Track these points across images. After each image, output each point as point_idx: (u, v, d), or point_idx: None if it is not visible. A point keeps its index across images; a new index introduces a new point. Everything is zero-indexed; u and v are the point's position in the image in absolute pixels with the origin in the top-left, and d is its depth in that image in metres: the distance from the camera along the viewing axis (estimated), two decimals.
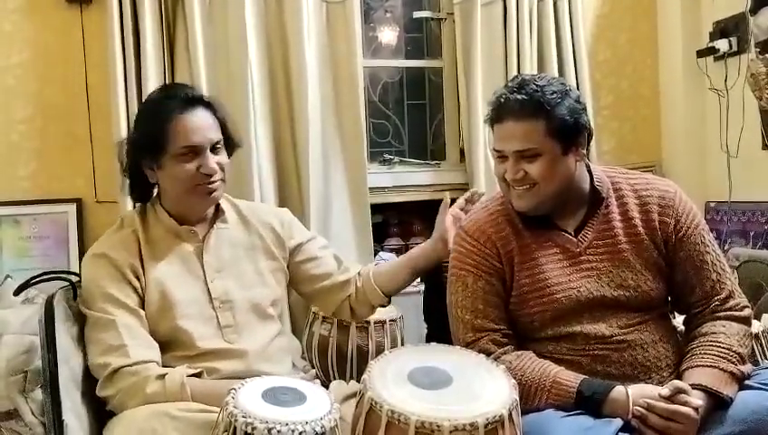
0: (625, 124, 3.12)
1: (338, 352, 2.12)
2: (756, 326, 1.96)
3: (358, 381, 1.43)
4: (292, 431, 1.11)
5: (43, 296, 1.47)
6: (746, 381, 1.38)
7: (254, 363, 1.51)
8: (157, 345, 1.47)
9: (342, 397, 1.41)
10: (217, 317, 1.53)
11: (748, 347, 1.45)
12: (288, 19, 2.55)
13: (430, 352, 1.35)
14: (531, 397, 1.37)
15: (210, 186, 1.54)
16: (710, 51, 2.85)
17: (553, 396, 1.36)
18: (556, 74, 2.82)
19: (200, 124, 1.53)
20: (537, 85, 1.45)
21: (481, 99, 2.79)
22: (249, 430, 1.11)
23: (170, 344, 1.49)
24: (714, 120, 2.90)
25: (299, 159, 2.58)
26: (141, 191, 1.60)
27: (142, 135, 1.54)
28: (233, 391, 1.19)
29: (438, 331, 1.72)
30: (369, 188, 2.70)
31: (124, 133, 2.37)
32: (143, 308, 1.49)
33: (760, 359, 1.88)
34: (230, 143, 1.61)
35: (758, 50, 2.61)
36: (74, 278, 1.56)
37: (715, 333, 1.44)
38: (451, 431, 1.10)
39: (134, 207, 2.31)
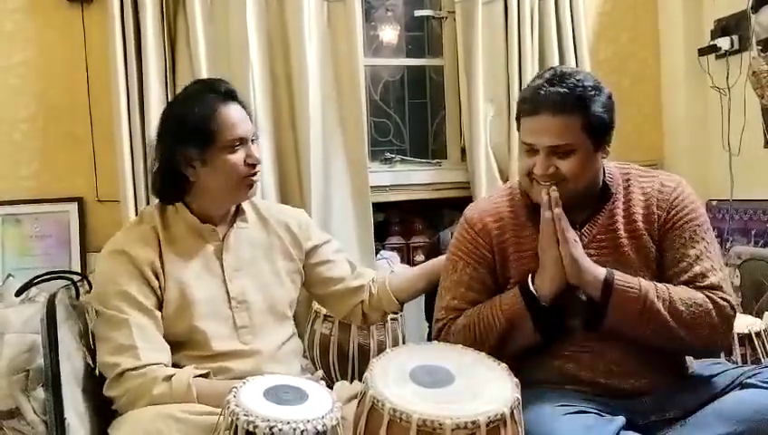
0: (627, 123, 3.10)
1: (339, 351, 2.13)
2: (758, 325, 1.96)
3: (359, 379, 1.43)
4: (294, 430, 1.11)
5: (45, 295, 1.47)
6: (749, 380, 1.38)
7: (264, 364, 1.51)
8: (167, 348, 1.46)
9: (346, 397, 1.40)
10: (234, 317, 1.54)
11: (694, 316, 1.37)
12: (289, 18, 2.55)
13: (432, 350, 1.35)
14: (489, 326, 1.44)
15: (254, 177, 1.55)
16: (712, 49, 2.85)
17: (505, 307, 1.44)
18: None
19: (242, 116, 1.54)
20: (576, 79, 1.41)
21: (482, 97, 2.79)
22: (251, 429, 1.11)
23: (185, 344, 1.49)
24: (715, 118, 2.89)
25: (300, 157, 2.58)
26: (173, 190, 1.56)
27: (187, 130, 1.50)
28: (234, 389, 1.19)
29: None
30: (371, 187, 2.70)
31: (125, 133, 2.37)
32: (160, 308, 1.48)
33: (762, 357, 1.88)
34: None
35: (760, 48, 2.61)
36: (76, 278, 1.56)
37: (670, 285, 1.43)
38: (453, 430, 1.10)
39: (136, 206, 2.35)
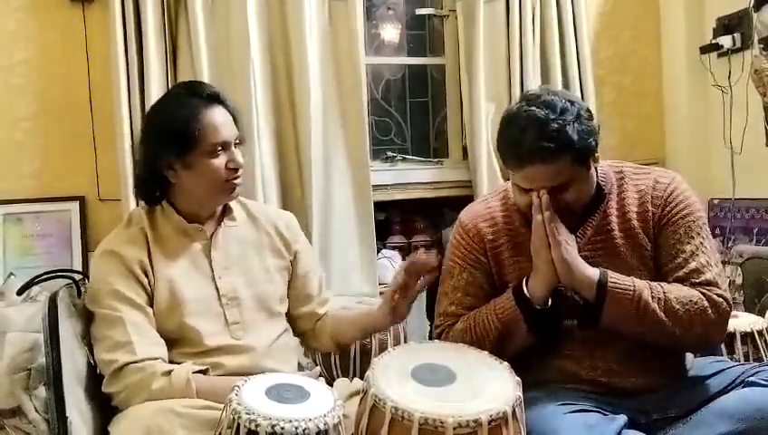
0: (628, 121, 3.11)
1: None
2: (761, 323, 1.95)
3: (361, 378, 1.43)
4: (296, 428, 1.11)
5: (46, 294, 1.47)
6: (751, 378, 1.38)
7: (260, 360, 1.51)
8: (163, 342, 1.47)
9: (347, 395, 1.41)
10: (225, 314, 1.54)
11: (690, 314, 1.36)
12: (290, 16, 2.55)
13: (434, 349, 1.35)
14: (486, 330, 1.45)
15: (236, 181, 1.54)
16: (713, 47, 2.84)
17: (499, 310, 1.44)
18: (559, 71, 2.82)
19: (225, 120, 1.53)
20: (552, 119, 1.35)
21: (483, 96, 2.79)
22: (252, 427, 1.11)
23: (178, 341, 1.49)
24: (717, 116, 2.89)
25: (301, 156, 2.58)
26: (154, 191, 1.56)
27: (168, 134, 1.49)
28: (236, 387, 1.19)
29: None
30: (372, 186, 2.70)
31: (127, 131, 2.38)
32: (151, 305, 1.49)
33: (764, 356, 1.87)
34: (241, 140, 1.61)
35: (761, 46, 2.60)
36: (77, 276, 1.56)
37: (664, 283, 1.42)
38: (455, 428, 1.09)
39: (137, 204, 2.34)
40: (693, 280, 1.41)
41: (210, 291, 1.54)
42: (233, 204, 1.63)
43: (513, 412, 1.15)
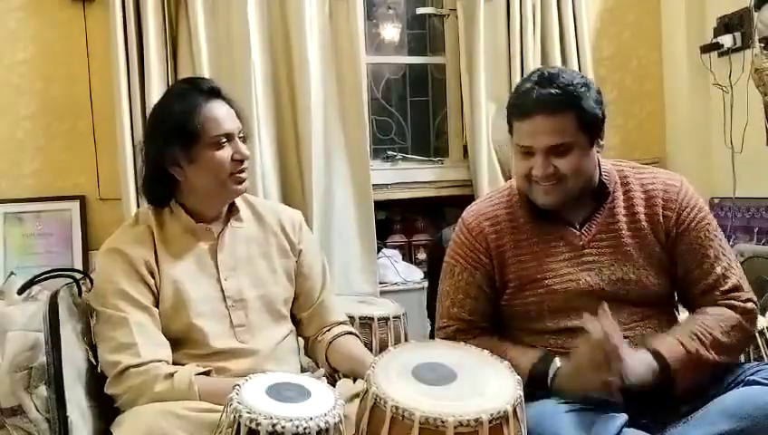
0: (629, 120, 3.11)
1: None
2: (761, 322, 1.95)
3: (362, 377, 1.43)
4: (296, 427, 1.11)
5: (47, 293, 1.47)
6: (752, 377, 1.38)
7: (263, 363, 1.50)
8: (168, 344, 1.46)
9: (348, 396, 1.40)
10: (230, 316, 1.53)
11: (737, 339, 1.40)
12: (291, 15, 2.55)
13: (434, 348, 1.35)
14: None
15: (242, 174, 1.54)
16: (714, 46, 2.84)
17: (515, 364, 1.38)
18: None
19: (227, 112, 1.54)
20: (566, 78, 1.41)
21: (484, 95, 2.79)
22: (253, 426, 1.10)
23: (183, 342, 1.49)
24: (718, 115, 2.89)
25: (302, 155, 2.58)
26: (161, 191, 1.56)
27: (171, 129, 1.49)
28: (237, 386, 1.19)
29: None
30: (373, 185, 2.70)
31: (128, 130, 2.38)
32: (157, 306, 1.48)
33: (765, 355, 1.87)
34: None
35: (762, 45, 2.60)
36: (78, 276, 1.56)
37: (701, 314, 1.43)
38: (455, 427, 1.09)
39: (138, 204, 2.35)
40: (721, 288, 1.45)
41: (215, 292, 1.54)
42: (239, 204, 1.63)
43: (514, 411, 1.15)
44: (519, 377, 1.24)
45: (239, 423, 1.11)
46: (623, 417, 1.29)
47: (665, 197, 1.50)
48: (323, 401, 1.20)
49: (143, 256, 1.49)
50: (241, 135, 1.55)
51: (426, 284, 2.05)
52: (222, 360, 1.48)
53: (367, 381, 1.20)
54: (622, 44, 3.11)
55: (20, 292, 1.60)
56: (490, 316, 1.55)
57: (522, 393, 1.19)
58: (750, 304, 1.45)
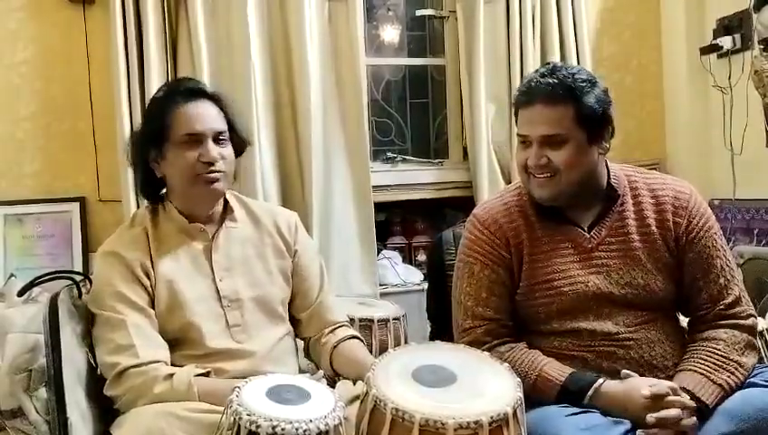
0: (629, 121, 3.11)
1: None
2: (761, 324, 1.95)
3: (362, 379, 1.42)
4: (296, 429, 1.11)
5: (47, 295, 1.47)
6: (752, 380, 1.38)
7: (260, 364, 1.50)
8: (166, 345, 1.47)
9: (348, 398, 1.39)
10: (226, 316, 1.53)
11: (752, 356, 1.43)
12: (290, 17, 2.55)
13: (434, 350, 1.35)
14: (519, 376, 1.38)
15: (210, 175, 1.51)
16: (714, 48, 2.84)
17: (538, 389, 1.38)
18: None
19: (202, 113, 1.53)
20: (568, 72, 1.45)
21: (484, 97, 2.79)
22: (253, 429, 1.10)
23: (180, 343, 1.49)
24: (717, 117, 2.89)
25: (302, 157, 2.58)
26: (151, 189, 1.59)
27: (146, 127, 1.57)
28: (237, 389, 1.19)
29: (442, 329, 1.72)
30: (372, 187, 2.70)
31: (128, 131, 2.38)
32: (153, 307, 1.48)
33: (765, 358, 1.87)
34: (237, 139, 1.60)
35: (762, 47, 2.60)
36: (78, 277, 1.56)
37: (716, 339, 1.43)
38: (455, 429, 1.09)
39: (138, 206, 2.35)
40: (723, 301, 1.46)
41: (211, 292, 1.54)
42: (234, 204, 1.63)
43: (514, 413, 1.15)
44: (519, 380, 1.24)
45: (239, 425, 1.11)
46: (626, 423, 1.29)
47: (675, 204, 1.50)
48: (323, 403, 1.20)
49: (139, 259, 1.49)
50: (221, 137, 1.54)
51: (425, 285, 2.05)
52: (219, 360, 1.48)
53: (367, 384, 1.20)
54: (622, 45, 3.11)
55: (20, 294, 1.60)
56: (513, 315, 1.52)
57: (521, 395, 1.19)
58: (751, 320, 1.47)
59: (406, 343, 2.18)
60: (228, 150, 1.56)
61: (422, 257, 2.92)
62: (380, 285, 2.71)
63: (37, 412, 1.57)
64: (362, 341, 1.69)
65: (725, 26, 2.83)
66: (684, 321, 1.63)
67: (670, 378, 1.41)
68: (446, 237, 1.90)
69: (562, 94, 1.42)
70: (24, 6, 2.47)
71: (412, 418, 1.10)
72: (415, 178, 2.92)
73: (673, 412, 1.28)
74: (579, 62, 2.85)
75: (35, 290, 1.68)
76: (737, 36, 2.77)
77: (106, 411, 1.43)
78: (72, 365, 1.40)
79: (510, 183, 2.66)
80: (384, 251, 2.87)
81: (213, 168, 1.51)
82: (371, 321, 2.12)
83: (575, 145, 1.43)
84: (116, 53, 2.38)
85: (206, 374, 1.43)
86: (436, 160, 3.02)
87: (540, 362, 1.41)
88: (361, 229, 2.68)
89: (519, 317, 1.53)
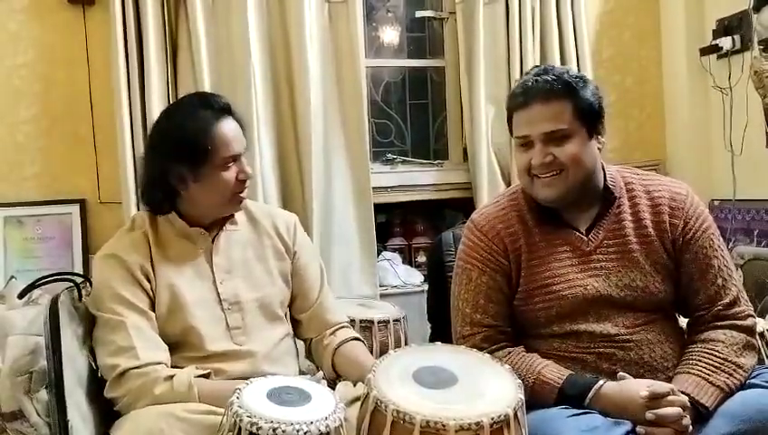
0: (629, 122, 3.11)
1: None
2: (761, 325, 1.95)
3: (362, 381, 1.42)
4: (297, 431, 1.11)
5: (47, 297, 1.47)
6: (752, 380, 1.38)
7: (260, 365, 1.51)
8: (166, 347, 1.47)
9: (348, 400, 1.40)
10: (226, 319, 1.54)
11: (750, 356, 1.43)
12: (290, 19, 2.55)
13: (435, 351, 1.35)
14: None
15: (243, 193, 1.56)
16: (713, 49, 2.84)
17: (536, 393, 1.37)
18: None
19: (236, 133, 1.54)
20: (561, 69, 1.48)
21: (483, 98, 2.79)
22: (254, 430, 1.11)
23: (180, 345, 1.50)
24: (717, 118, 2.89)
25: (302, 159, 2.58)
26: (168, 204, 1.55)
27: (181, 147, 1.48)
28: (237, 390, 1.19)
29: (442, 330, 1.72)
30: (372, 188, 2.70)
31: (127, 134, 2.38)
32: (153, 310, 1.49)
33: (765, 358, 1.87)
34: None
35: (761, 47, 2.61)
36: (79, 279, 1.56)
37: (714, 341, 1.43)
38: (456, 431, 1.09)
39: (138, 207, 2.35)
40: (721, 301, 1.46)
41: (211, 295, 1.54)
42: None
43: (515, 415, 1.15)
44: (520, 381, 1.24)
45: (240, 427, 1.12)
46: (627, 424, 1.29)
47: (671, 205, 1.50)
48: (324, 404, 1.20)
49: (139, 261, 1.49)
50: (244, 151, 1.56)
51: (426, 286, 2.05)
52: (219, 362, 1.49)
53: (368, 385, 1.20)
54: (622, 47, 3.11)
55: (20, 296, 1.61)
56: (511, 320, 1.52)
57: (522, 397, 1.19)
58: (749, 320, 1.47)
59: (406, 344, 2.17)
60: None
61: (422, 259, 2.93)
62: (380, 286, 2.71)
63: (38, 414, 1.57)
64: (364, 342, 1.69)
65: (725, 27, 2.83)
66: (683, 322, 1.63)
67: (670, 379, 1.41)
68: (446, 239, 1.90)
69: (561, 89, 1.43)
70: (24, 9, 2.47)
71: (413, 419, 1.10)
72: (415, 179, 2.92)
73: (673, 410, 1.28)
74: (579, 64, 2.85)
75: (36, 292, 1.68)
76: (737, 37, 2.77)
77: (106, 413, 1.44)
78: (72, 367, 1.40)
79: (510, 184, 2.67)
80: (384, 252, 2.87)
81: (246, 184, 1.55)
82: (371, 322, 2.12)
83: (578, 140, 1.44)
84: (116, 55, 2.38)
85: (207, 376, 1.43)
86: (436, 162, 3.02)
87: (537, 365, 1.41)
88: (361, 231, 2.68)
89: (518, 322, 1.52)
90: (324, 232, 2.62)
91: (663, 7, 3.12)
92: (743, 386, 1.38)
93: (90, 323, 1.49)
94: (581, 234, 1.50)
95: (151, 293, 1.49)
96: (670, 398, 1.30)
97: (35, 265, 2.42)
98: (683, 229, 1.48)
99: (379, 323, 2.13)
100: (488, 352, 1.42)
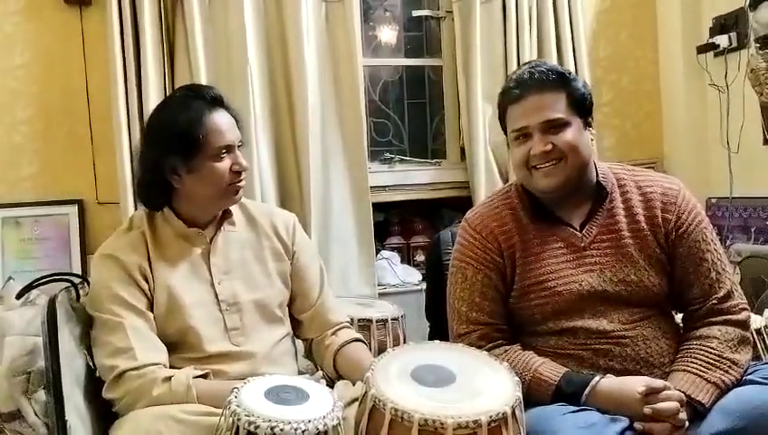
0: (626, 121, 3.12)
1: None
2: (758, 321, 1.96)
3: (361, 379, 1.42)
4: (295, 430, 1.11)
5: (45, 298, 1.47)
6: (749, 377, 1.38)
7: (260, 366, 1.51)
8: (164, 348, 1.46)
9: (347, 400, 1.39)
10: (224, 319, 1.53)
11: (745, 352, 1.43)
12: (287, 18, 2.56)
13: (433, 349, 1.35)
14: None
15: (239, 184, 1.54)
16: (710, 47, 2.85)
17: (533, 390, 1.37)
18: None
19: (229, 123, 1.53)
20: (551, 63, 1.53)
21: (481, 97, 2.80)
22: (252, 429, 1.11)
23: (178, 346, 1.49)
24: (714, 115, 2.90)
25: (299, 158, 2.58)
26: (162, 199, 1.55)
27: (172, 138, 1.47)
28: (235, 389, 1.19)
29: (440, 329, 1.72)
30: (370, 187, 2.70)
31: (125, 134, 2.38)
32: (151, 310, 1.48)
33: (762, 354, 1.87)
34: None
35: (758, 45, 2.61)
36: (76, 280, 1.56)
37: (708, 337, 1.43)
38: (455, 429, 1.09)
39: (135, 207, 2.35)
40: (716, 295, 1.46)
41: (209, 296, 1.54)
42: (232, 207, 1.63)
43: (513, 413, 1.15)
44: (518, 379, 1.24)
45: (238, 426, 1.12)
46: (624, 421, 1.29)
47: (663, 200, 1.51)
48: (322, 403, 1.20)
49: (137, 262, 1.49)
50: (239, 144, 1.55)
51: (424, 285, 2.05)
52: (217, 363, 1.48)
53: (366, 383, 1.20)
54: (618, 46, 3.12)
55: (18, 296, 1.60)
56: (507, 318, 1.53)
57: (520, 395, 1.19)
58: (743, 314, 1.47)
59: (404, 342, 2.18)
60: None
61: (420, 257, 2.93)
62: (379, 285, 2.71)
63: (36, 415, 1.57)
64: (365, 343, 1.69)
65: (722, 25, 2.84)
66: (678, 317, 1.64)
67: (667, 375, 1.41)
68: (444, 237, 1.90)
69: (555, 80, 1.46)
70: (20, 10, 2.47)
71: (411, 417, 1.10)
72: (412, 178, 2.92)
73: (670, 404, 1.28)
74: (576, 63, 2.86)
75: (33, 292, 1.68)
76: (733, 35, 2.77)
77: (105, 414, 1.43)
78: (70, 368, 1.40)
79: (508, 182, 2.67)
80: (382, 251, 2.87)
81: (242, 176, 1.54)
82: (370, 321, 2.12)
83: (575, 128, 1.46)
84: (113, 56, 2.38)
85: (205, 376, 1.43)
86: (434, 161, 3.03)
87: (534, 363, 1.41)
88: (359, 230, 2.68)
89: (514, 319, 1.53)
90: (322, 231, 2.62)
91: (659, 6, 3.13)
92: (739, 382, 1.38)
93: (87, 324, 1.49)
94: (575, 230, 1.51)
95: (149, 293, 1.49)
96: (667, 392, 1.30)
97: (33, 266, 2.42)
98: (675, 223, 1.49)
99: (377, 321, 2.13)
100: (485, 350, 1.43)
